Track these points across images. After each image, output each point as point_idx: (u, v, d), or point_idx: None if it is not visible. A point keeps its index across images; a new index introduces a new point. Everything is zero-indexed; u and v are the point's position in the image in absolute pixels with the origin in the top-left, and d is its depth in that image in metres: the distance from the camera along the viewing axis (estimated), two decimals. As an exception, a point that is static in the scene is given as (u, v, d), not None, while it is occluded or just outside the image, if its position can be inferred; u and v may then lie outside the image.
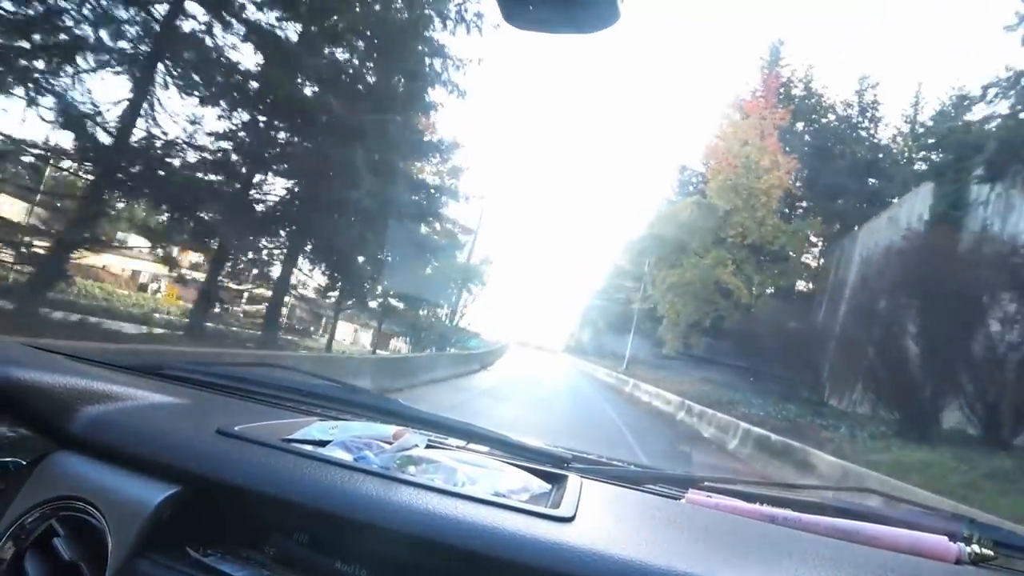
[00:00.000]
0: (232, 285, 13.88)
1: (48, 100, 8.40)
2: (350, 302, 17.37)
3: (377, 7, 12.41)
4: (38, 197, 12.01)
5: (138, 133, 9.82)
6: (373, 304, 19.26)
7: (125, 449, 0.89)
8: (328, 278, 15.75)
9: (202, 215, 10.87)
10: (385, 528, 0.76)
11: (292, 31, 11.41)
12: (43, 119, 8.51)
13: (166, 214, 11.25)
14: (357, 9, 12.02)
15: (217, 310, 13.74)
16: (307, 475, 0.83)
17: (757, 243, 25.77)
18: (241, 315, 17.08)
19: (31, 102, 8.21)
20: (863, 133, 31.04)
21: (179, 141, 10.51)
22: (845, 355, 16.25)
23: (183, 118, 10.48)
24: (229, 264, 12.69)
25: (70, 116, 8.63)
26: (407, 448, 0.95)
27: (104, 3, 8.71)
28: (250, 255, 13.14)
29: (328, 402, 1.28)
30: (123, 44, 9.19)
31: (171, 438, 0.91)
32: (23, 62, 8.08)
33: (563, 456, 1.11)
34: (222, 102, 10.80)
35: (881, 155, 29.78)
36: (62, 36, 8.43)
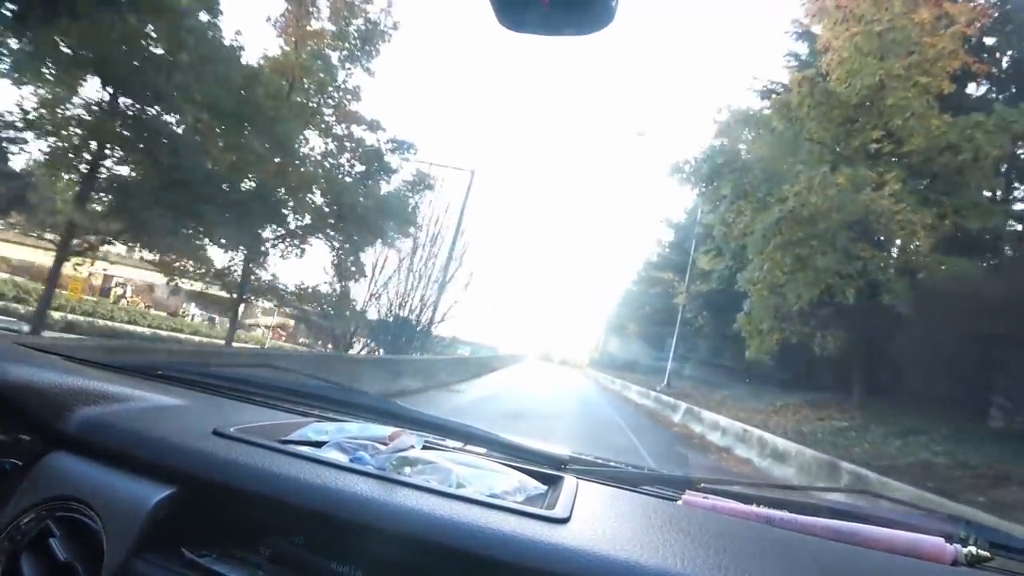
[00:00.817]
0: None
1: None
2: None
3: None
4: None
5: None
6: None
7: (121, 450, 0.89)
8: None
9: None
10: (381, 529, 0.77)
11: None
12: None
13: None
14: None
15: None
16: (303, 476, 0.83)
17: (918, 156, 11.93)
18: None
19: None
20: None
21: None
22: None
23: None
24: None
25: None
26: (403, 449, 0.96)
27: None
28: None
29: (325, 403, 1.28)
30: None
31: (167, 439, 0.91)
32: None
33: (560, 457, 1.11)
34: None
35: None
36: None
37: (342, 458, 0.92)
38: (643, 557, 0.72)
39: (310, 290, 14.87)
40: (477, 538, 0.74)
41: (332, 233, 14.41)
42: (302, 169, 12.68)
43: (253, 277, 13.76)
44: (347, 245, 14.82)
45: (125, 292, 25.95)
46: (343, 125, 14.37)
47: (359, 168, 14.46)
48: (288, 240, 13.86)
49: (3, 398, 0.90)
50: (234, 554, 0.81)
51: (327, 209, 13.79)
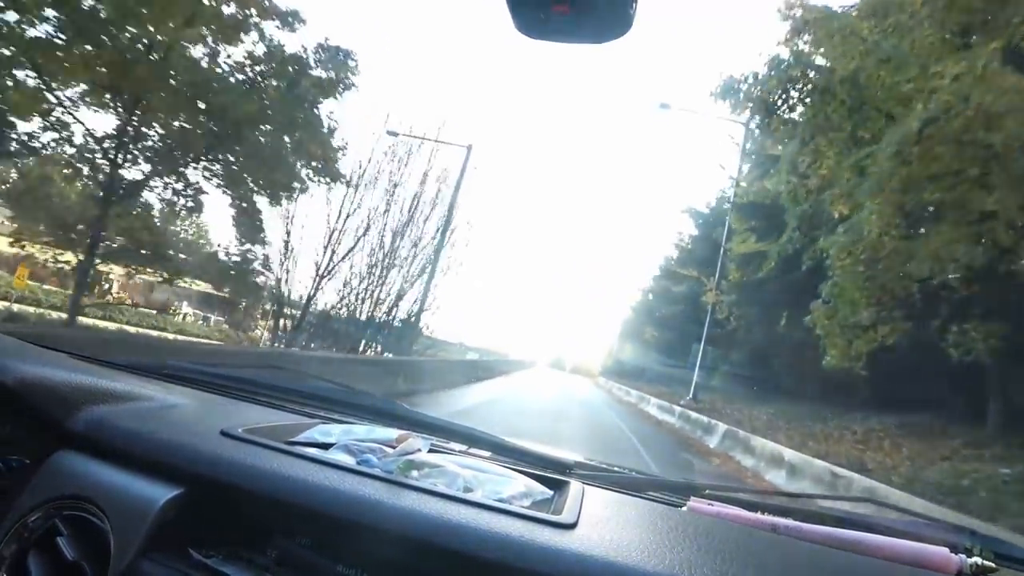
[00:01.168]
0: None
1: None
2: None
3: None
4: None
5: None
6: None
7: (129, 449, 0.90)
8: None
9: None
10: (387, 532, 0.77)
11: None
12: None
13: None
14: None
15: None
16: (310, 478, 0.84)
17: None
18: None
19: None
20: None
21: None
22: None
23: None
24: None
25: None
26: (410, 452, 0.96)
27: None
28: None
29: (331, 404, 1.29)
30: None
31: (175, 439, 0.91)
32: None
33: (565, 462, 1.12)
34: None
35: None
36: None
37: (349, 460, 0.92)
38: (650, 563, 0.73)
39: (190, 257, 10.76)
40: (485, 542, 0.74)
41: (213, 166, 10.03)
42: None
43: (122, 238, 9.52)
44: (235, 184, 10.31)
45: (111, 287, 24.81)
46: (252, 18, 9.64)
47: (276, 84, 9.91)
48: (162, 178, 9.66)
49: (13, 394, 0.91)
50: (241, 555, 0.82)
51: (197, 123, 9.21)
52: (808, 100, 9.94)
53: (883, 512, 1.19)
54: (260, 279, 12.20)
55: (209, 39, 9.44)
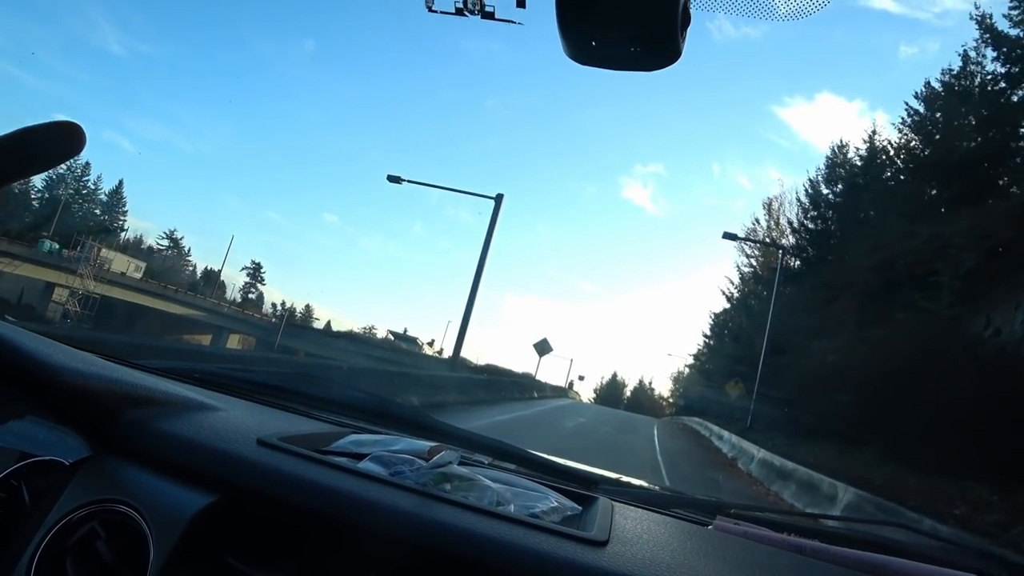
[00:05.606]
0: None
1: None
2: None
3: None
4: None
5: None
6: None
7: (167, 455, 0.91)
8: None
9: None
10: (421, 544, 0.78)
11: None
12: None
13: None
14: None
15: None
16: (346, 488, 0.84)
17: None
18: None
19: None
20: None
21: None
22: None
23: None
24: None
25: None
26: (442, 465, 0.97)
27: None
28: None
29: (363, 414, 1.30)
30: None
31: (212, 446, 0.92)
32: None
33: (591, 477, 1.12)
34: None
35: None
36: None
37: (382, 471, 0.93)
38: None
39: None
40: (519, 558, 0.75)
41: None
42: None
43: None
44: None
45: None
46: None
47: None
48: None
49: (56, 397, 0.93)
50: (276, 563, 0.83)
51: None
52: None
53: (910, 536, 1.18)
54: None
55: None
